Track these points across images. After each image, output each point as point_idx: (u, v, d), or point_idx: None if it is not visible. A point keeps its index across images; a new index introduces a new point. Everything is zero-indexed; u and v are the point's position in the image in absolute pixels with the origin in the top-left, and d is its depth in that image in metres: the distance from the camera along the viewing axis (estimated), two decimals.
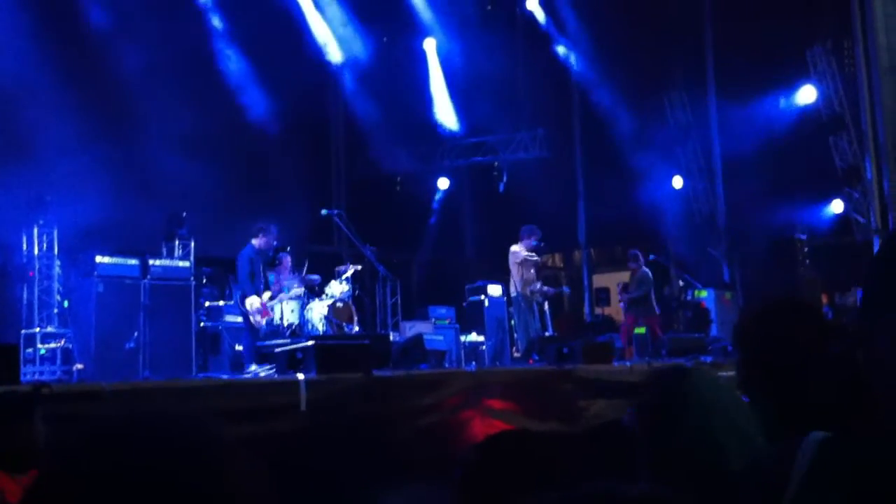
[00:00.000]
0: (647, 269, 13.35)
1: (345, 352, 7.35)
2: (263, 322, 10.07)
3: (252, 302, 9.81)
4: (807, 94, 16.63)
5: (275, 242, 10.36)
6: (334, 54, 16.68)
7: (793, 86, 16.68)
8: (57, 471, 0.99)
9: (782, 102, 16.75)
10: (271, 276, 11.03)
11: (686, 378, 2.20)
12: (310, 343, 7.56)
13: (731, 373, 7.47)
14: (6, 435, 3.79)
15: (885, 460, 1.21)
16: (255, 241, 9.98)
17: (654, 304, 13.23)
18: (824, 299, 16.26)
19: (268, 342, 10.13)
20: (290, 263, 11.74)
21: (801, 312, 2.37)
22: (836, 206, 16.87)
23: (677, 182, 18.29)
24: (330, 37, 16.33)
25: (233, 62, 14.62)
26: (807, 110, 16.66)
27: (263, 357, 9.42)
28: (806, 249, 16.71)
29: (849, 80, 15.98)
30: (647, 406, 2.23)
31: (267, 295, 10.15)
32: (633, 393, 7.09)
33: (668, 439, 2.09)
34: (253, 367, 9.08)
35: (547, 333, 12.08)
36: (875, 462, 1.23)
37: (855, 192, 16.05)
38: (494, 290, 13.62)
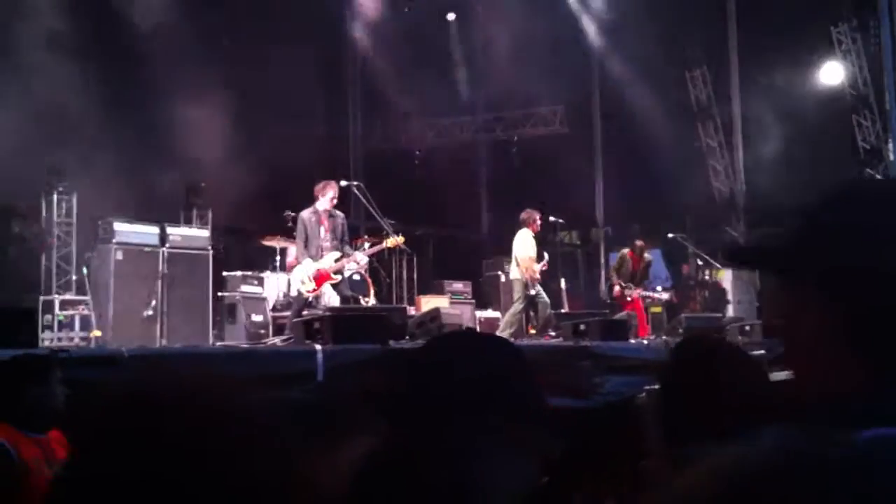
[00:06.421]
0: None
1: (361, 323, 7.35)
2: None
3: None
4: (831, 73, 16.36)
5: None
6: (354, 23, 16.58)
7: (817, 64, 16.44)
8: (85, 438, 0.98)
9: (806, 80, 16.51)
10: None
11: (709, 354, 2.13)
12: (326, 314, 7.57)
13: (760, 351, 7.33)
14: (22, 396, 3.83)
15: None
16: None
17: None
18: None
19: (284, 313, 10.13)
20: None
21: None
22: None
23: (697, 160, 18.13)
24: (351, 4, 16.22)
25: (251, 29, 14.53)
26: (831, 89, 16.43)
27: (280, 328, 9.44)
28: None
29: (873, 59, 15.75)
30: (668, 383, 2.15)
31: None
32: (648, 370, 7.07)
33: (686, 418, 2.01)
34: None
35: (563, 310, 12.05)
36: None
37: (877, 174, 15.87)
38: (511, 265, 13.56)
